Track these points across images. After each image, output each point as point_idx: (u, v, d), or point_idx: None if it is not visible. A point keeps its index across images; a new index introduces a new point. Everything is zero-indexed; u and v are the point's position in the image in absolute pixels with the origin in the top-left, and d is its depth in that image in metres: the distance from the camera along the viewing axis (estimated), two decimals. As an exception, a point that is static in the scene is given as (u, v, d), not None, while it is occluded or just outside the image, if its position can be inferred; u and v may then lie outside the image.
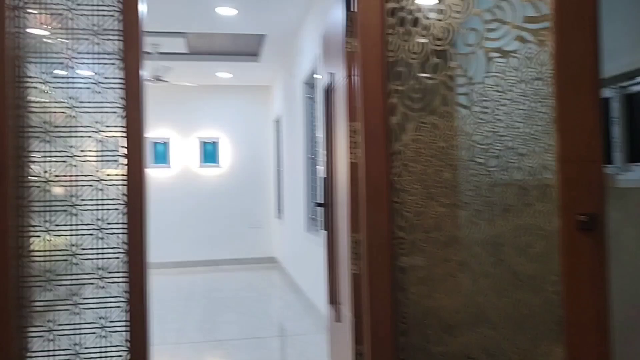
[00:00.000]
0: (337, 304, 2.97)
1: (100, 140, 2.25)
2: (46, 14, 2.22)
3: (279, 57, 7.05)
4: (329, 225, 3.11)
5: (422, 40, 2.16)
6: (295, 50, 6.23)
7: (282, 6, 5.18)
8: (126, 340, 2.22)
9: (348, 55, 2.44)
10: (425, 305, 2.18)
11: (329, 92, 3.14)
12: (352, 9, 2.39)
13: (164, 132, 8.67)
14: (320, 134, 4.86)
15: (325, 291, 3.40)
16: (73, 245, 2.20)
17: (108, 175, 2.24)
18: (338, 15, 2.69)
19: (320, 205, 3.33)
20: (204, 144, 8.97)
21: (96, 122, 2.24)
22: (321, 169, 4.62)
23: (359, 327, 2.40)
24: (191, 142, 8.94)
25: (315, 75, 5.07)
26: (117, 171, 2.24)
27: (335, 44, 2.83)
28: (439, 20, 2.14)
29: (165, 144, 8.75)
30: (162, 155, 8.70)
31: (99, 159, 2.25)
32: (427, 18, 2.16)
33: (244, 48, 6.89)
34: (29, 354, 2.16)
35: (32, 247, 2.18)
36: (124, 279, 2.22)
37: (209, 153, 9.00)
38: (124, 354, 2.22)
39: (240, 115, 9.09)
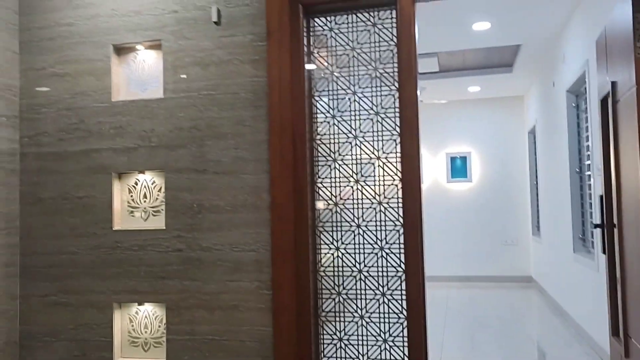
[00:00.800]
0: (624, 336, 2.66)
1: (379, 166, 2.43)
2: (333, 55, 2.50)
3: (535, 66, 6.67)
4: (611, 249, 2.81)
5: None
6: (556, 57, 5.82)
7: (541, 14, 4.91)
8: (405, 356, 2.33)
9: (639, 61, 2.20)
10: None
11: (607, 101, 2.86)
12: (642, 10, 2.15)
13: (414, 149, 8.92)
14: (593, 146, 4.43)
15: (604, 320, 3.07)
16: (358, 262, 2.41)
17: (386, 198, 2.39)
18: (622, 18, 2.44)
19: (598, 226, 3.03)
20: (452, 159, 8.97)
21: (375, 150, 2.43)
22: (597, 186, 4.21)
23: (658, 367, 2.12)
24: (439, 158, 9.02)
25: (586, 80, 4.66)
26: (395, 194, 2.38)
27: (618, 49, 2.57)
28: None
29: (417, 161, 9.01)
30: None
31: (379, 183, 2.43)
32: None
33: (496, 60, 6.71)
34: (323, 358, 2.43)
35: (324, 262, 2.46)
36: (402, 297, 2.34)
37: (458, 168, 8.95)
38: (404, 368, 2.34)
39: (490, 128, 8.84)
